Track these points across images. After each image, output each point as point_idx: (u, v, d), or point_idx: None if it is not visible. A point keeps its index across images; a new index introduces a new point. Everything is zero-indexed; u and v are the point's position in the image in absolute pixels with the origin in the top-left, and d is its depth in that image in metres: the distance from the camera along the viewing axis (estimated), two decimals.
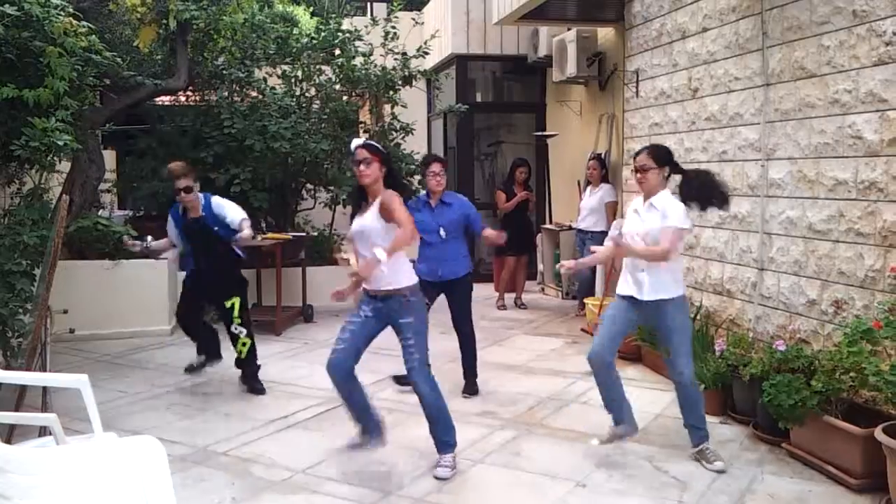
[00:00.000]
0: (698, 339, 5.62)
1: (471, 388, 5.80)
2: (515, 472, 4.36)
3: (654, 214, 4.31)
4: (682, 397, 4.45)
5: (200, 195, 5.74)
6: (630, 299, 4.42)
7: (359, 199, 4.34)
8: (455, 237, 5.79)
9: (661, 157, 4.41)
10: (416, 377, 4.26)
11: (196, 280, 5.88)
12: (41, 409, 4.45)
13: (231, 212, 5.72)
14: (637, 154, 4.46)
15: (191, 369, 6.00)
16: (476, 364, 5.89)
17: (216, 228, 5.68)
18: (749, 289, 5.62)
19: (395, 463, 4.49)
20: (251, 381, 5.87)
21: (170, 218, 5.88)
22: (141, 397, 5.79)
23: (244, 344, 5.81)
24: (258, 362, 5.95)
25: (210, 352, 6.00)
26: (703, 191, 4.33)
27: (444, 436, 4.35)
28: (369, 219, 4.20)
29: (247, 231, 5.55)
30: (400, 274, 4.22)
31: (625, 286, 4.47)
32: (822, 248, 4.89)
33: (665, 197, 4.33)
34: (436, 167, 5.80)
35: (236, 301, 5.77)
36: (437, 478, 4.23)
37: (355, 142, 4.32)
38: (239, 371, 5.92)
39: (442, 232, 5.69)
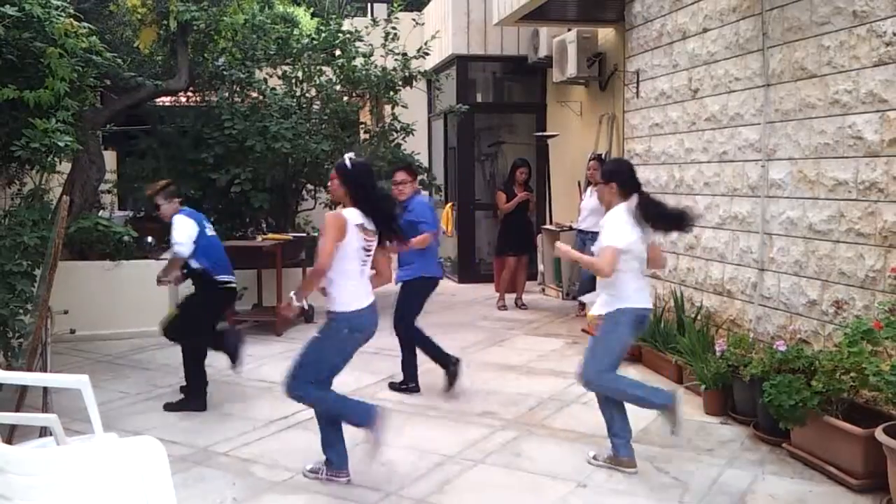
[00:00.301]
0: (699, 340, 5.62)
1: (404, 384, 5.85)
2: (516, 473, 4.36)
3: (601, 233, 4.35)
4: None
5: (180, 210, 5.61)
6: None
7: None
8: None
9: (606, 172, 4.44)
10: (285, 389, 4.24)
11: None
12: (42, 409, 4.46)
13: (176, 229, 5.50)
14: None
15: (233, 363, 5.70)
16: (411, 369, 5.87)
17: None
18: (749, 289, 5.62)
19: (395, 463, 4.49)
20: (233, 363, 5.76)
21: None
22: (142, 398, 5.79)
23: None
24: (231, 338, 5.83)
25: (230, 352, 5.70)
26: (658, 218, 4.28)
27: (354, 422, 4.25)
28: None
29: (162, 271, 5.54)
30: (336, 300, 4.12)
31: None
32: (822, 248, 4.89)
33: (611, 214, 4.28)
34: (398, 176, 5.77)
35: (175, 314, 5.63)
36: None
37: None
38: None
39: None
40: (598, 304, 4.35)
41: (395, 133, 9.67)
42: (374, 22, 9.93)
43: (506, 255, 9.30)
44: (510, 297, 9.32)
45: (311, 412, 5.33)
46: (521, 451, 4.67)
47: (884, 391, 3.83)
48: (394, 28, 9.54)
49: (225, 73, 9.01)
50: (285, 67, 9.60)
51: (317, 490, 4.15)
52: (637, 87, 7.33)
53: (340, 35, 9.44)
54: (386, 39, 9.51)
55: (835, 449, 4.13)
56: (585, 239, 8.55)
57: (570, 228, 9.37)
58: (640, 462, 4.40)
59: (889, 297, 4.22)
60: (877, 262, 4.44)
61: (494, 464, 4.50)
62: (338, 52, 9.47)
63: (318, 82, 9.56)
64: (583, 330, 7.87)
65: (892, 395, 3.75)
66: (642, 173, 7.14)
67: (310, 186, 9.79)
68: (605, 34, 8.99)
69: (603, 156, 8.76)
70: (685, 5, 6.45)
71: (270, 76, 9.58)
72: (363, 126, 10.02)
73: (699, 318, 6.07)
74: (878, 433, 3.75)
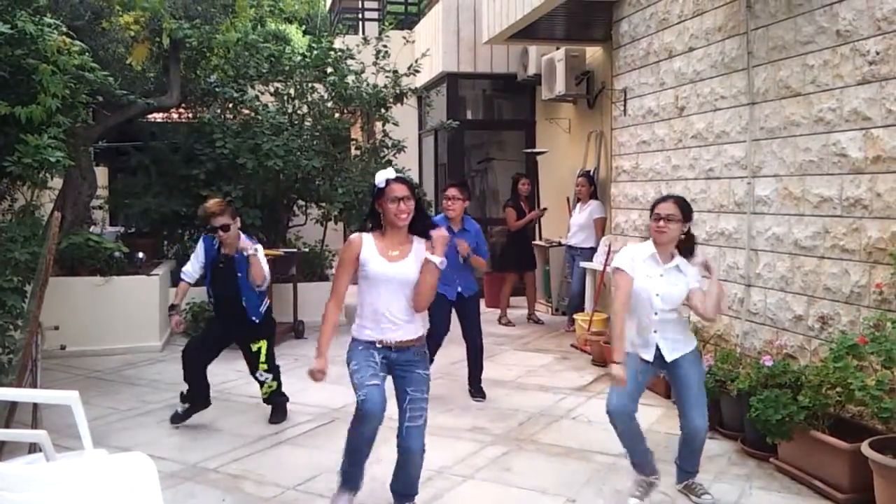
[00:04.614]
0: None
1: (477, 393, 6.21)
2: (506, 488, 4.38)
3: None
4: None
5: (244, 236, 5.33)
6: None
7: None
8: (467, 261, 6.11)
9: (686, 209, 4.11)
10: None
11: (222, 322, 5.52)
12: (32, 425, 4.45)
13: (264, 262, 5.35)
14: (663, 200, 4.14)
15: (176, 418, 5.42)
16: (481, 373, 6.29)
17: (240, 275, 5.29)
18: (736, 304, 5.67)
19: (385, 478, 4.49)
20: (275, 415, 5.59)
21: (201, 244, 5.44)
22: (131, 414, 5.78)
23: (269, 387, 5.54)
24: (284, 396, 5.69)
25: (197, 402, 5.45)
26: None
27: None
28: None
29: (250, 250, 5.20)
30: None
31: None
32: (807, 264, 4.94)
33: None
34: (450, 191, 6.07)
35: (263, 345, 5.46)
36: None
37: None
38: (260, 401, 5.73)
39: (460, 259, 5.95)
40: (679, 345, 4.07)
41: (386, 149, 9.73)
42: (366, 40, 10.01)
43: (510, 272, 9.33)
44: (516, 312, 9.37)
45: (300, 429, 5.36)
46: (511, 467, 4.69)
47: (869, 406, 3.86)
48: (385, 46, 9.63)
49: (217, 89, 9.06)
50: (277, 84, 9.66)
51: None
52: (625, 105, 7.40)
53: (332, 53, 9.52)
54: (377, 57, 9.59)
55: (821, 463, 4.17)
56: (575, 254, 8.64)
57: (559, 244, 9.43)
58: (630, 477, 4.42)
59: (874, 313, 4.27)
60: (862, 277, 4.50)
61: (484, 479, 4.51)
62: (329, 70, 9.54)
63: (309, 99, 9.62)
64: (572, 345, 7.91)
65: (877, 409, 3.78)
66: (630, 190, 7.23)
67: (301, 202, 9.82)
68: (593, 53, 9.09)
69: (591, 172, 8.84)
70: (672, 25, 6.53)
71: (262, 93, 9.63)
72: (354, 142, 10.08)
73: None
74: (864, 448, 3.78)
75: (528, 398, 6.12)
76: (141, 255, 8.41)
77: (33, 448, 3.78)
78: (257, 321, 5.41)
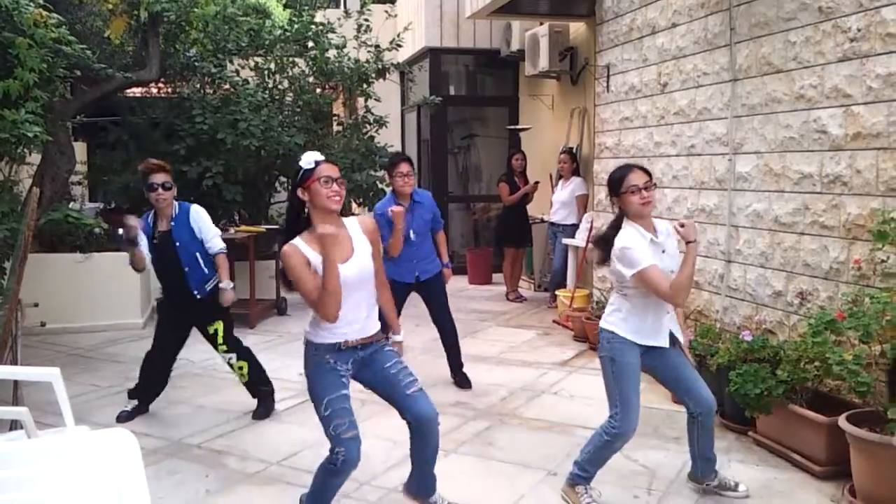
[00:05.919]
0: None
1: (463, 381, 5.84)
2: (488, 462, 4.42)
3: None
4: None
5: (176, 203, 5.01)
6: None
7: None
8: (426, 237, 5.77)
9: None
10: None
11: (173, 309, 5.19)
12: (12, 402, 4.42)
13: (207, 226, 5.05)
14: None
15: (124, 417, 5.14)
16: (460, 357, 5.93)
17: (178, 244, 4.94)
18: (716, 280, 5.72)
19: (368, 453, 4.49)
20: (258, 409, 5.25)
21: (141, 233, 5.03)
22: (113, 391, 5.77)
23: (241, 367, 5.16)
24: (269, 386, 5.33)
25: (145, 400, 5.30)
26: None
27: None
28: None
29: (227, 290, 5.03)
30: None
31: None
32: (787, 240, 4.98)
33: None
34: (404, 167, 5.53)
35: (219, 326, 5.06)
36: None
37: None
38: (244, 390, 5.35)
39: (412, 234, 5.59)
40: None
41: (368, 125, 9.67)
42: (347, 13, 9.91)
43: (506, 247, 9.34)
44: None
45: (283, 404, 5.37)
46: (494, 441, 4.73)
47: (846, 380, 3.90)
48: (366, 20, 9.53)
49: (197, 64, 8.95)
50: (257, 59, 9.56)
51: (289, 481, 4.17)
52: (607, 81, 7.39)
53: (313, 27, 9.42)
54: (358, 31, 9.50)
55: (799, 437, 4.23)
56: (557, 231, 8.66)
57: (542, 221, 9.45)
58: None
59: (852, 288, 4.32)
60: (840, 253, 4.54)
61: (467, 454, 4.55)
62: (310, 44, 9.44)
63: (290, 74, 9.53)
64: (554, 321, 7.96)
65: (854, 384, 3.82)
66: (612, 166, 7.23)
67: (283, 178, 9.76)
68: (577, 28, 9.05)
69: (574, 149, 8.84)
70: (655, 0, 6.51)
71: (243, 68, 9.52)
72: (336, 118, 10.02)
73: None
74: (841, 421, 3.83)
75: (510, 373, 6.16)
76: (121, 231, 8.32)
77: (14, 425, 3.77)
78: (199, 296, 5.01)
